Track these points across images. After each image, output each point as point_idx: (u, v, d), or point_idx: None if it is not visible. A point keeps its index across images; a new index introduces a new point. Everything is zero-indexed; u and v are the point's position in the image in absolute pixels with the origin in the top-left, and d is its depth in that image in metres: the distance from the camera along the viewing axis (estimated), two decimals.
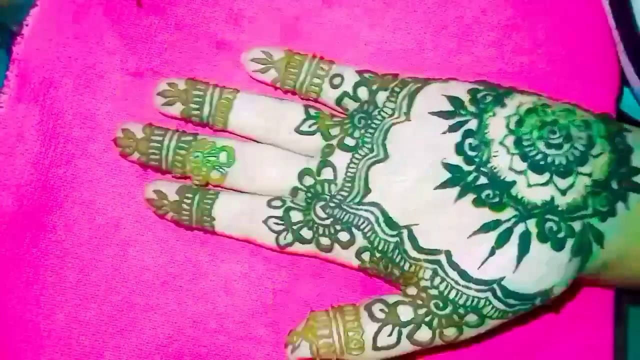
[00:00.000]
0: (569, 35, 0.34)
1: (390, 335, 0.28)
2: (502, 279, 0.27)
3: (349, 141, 0.30)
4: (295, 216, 0.30)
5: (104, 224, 0.33)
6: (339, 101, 0.31)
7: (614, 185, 0.27)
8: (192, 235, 0.33)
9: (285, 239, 0.30)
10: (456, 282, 0.27)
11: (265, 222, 0.30)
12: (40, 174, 0.33)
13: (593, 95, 0.34)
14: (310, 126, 0.31)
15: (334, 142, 0.30)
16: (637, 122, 0.33)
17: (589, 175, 0.27)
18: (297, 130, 0.31)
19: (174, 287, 0.33)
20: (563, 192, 0.27)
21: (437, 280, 0.27)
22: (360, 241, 0.29)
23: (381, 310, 0.28)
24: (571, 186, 0.27)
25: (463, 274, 0.27)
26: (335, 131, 0.30)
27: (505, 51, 0.34)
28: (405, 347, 0.28)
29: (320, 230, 0.29)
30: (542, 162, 0.27)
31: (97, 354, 0.32)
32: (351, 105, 0.31)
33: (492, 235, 0.27)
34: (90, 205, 0.33)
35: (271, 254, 0.33)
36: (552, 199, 0.27)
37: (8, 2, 0.38)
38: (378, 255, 0.29)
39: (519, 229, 0.27)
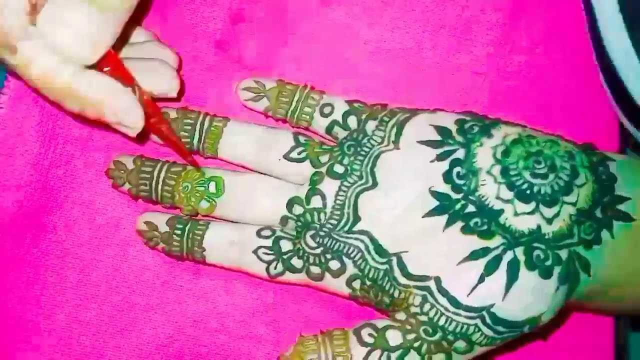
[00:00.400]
0: (568, 34, 0.34)
1: None
2: (491, 306, 0.27)
3: (338, 168, 0.30)
4: (285, 245, 0.30)
5: (104, 224, 0.33)
6: (329, 130, 0.31)
7: (598, 214, 0.28)
8: None
9: (275, 268, 0.30)
10: (446, 309, 0.27)
11: (255, 252, 0.30)
12: (40, 175, 0.33)
13: (591, 94, 0.34)
14: (299, 153, 0.31)
15: (323, 169, 0.30)
16: None
17: (574, 204, 0.28)
18: (287, 157, 0.31)
19: (174, 286, 0.33)
20: (549, 221, 0.27)
21: (427, 306, 0.28)
22: (350, 270, 0.29)
23: (370, 334, 0.28)
24: (557, 215, 0.27)
25: (452, 301, 0.27)
26: (324, 158, 0.30)
27: (504, 50, 0.34)
28: None
29: (311, 259, 0.29)
30: (528, 192, 0.27)
31: (97, 354, 0.32)
32: (341, 133, 0.31)
33: (481, 263, 0.27)
34: (90, 206, 0.33)
35: None
36: (539, 227, 0.27)
37: None
38: (368, 283, 0.29)
39: (508, 256, 0.27)
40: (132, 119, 0.27)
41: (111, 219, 0.33)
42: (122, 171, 0.31)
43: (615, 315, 0.35)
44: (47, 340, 0.32)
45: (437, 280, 0.28)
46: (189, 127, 0.31)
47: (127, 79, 0.27)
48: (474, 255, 0.28)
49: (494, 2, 0.34)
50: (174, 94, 0.30)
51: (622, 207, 0.28)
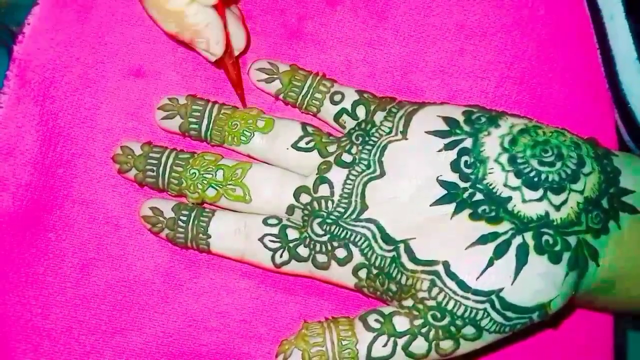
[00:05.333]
0: (571, 41, 0.35)
1: (385, 345, 0.28)
2: (500, 290, 0.27)
3: (346, 157, 0.30)
4: (292, 234, 0.30)
5: (104, 223, 0.33)
6: (337, 117, 0.32)
7: (605, 204, 0.28)
8: None
9: (281, 256, 0.30)
10: (454, 293, 0.27)
11: (261, 239, 0.30)
12: (40, 174, 0.33)
13: (592, 103, 0.35)
14: (307, 143, 0.31)
15: (331, 158, 0.30)
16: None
17: (581, 192, 0.28)
18: (294, 147, 0.31)
19: (174, 286, 0.33)
20: (557, 208, 0.28)
21: (435, 290, 0.28)
22: (357, 258, 0.29)
23: (376, 320, 0.28)
24: (564, 202, 0.28)
25: (461, 284, 0.27)
26: (332, 148, 0.31)
27: (508, 56, 0.34)
28: (400, 359, 0.28)
29: (317, 247, 0.29)
30: (535, 179, 0.28)
31: (97, 354, 0.32)
32: (349, 123, 0.31)
33: (490, 247, 0.27)
34: (90, 205, 0.33)
35: None
36: (547, 213, 0.27)
37: (7, 2, 0.38)
38: (375, 271, 0.29)
39: (517, 241, 0.27)
40: (217, 51, 0.29)
41: (111, 219, 0.33)
42: (129, 156, 0.31)
43: (622, 313, 0.35)
44: (47, 339, 0.32)
45: (446, 264, 0.28)
46: (198, 114, 0.32)
47: (223, 20, 0.29)
48: (483, 240, 0.28)
49: (499, 8, 0.34)
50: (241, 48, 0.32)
51: (627, 199, 0.29)
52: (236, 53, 0.32)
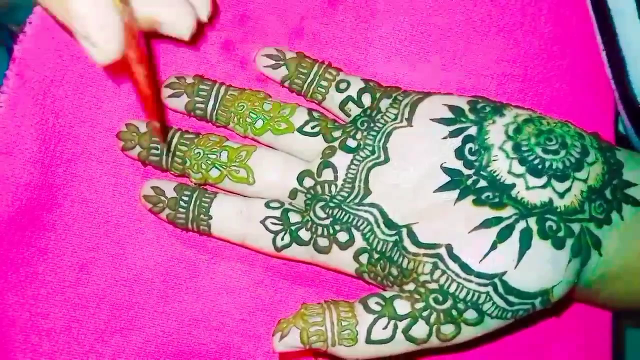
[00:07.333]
0: (574, 40, 0.35)
1: (385, 328, 0.28)
2: (503, 274, 0.27)
3: (351, 143, 0.30)
4: (294, 217, 0.30)
5: (104, 223, 0.33)
6: (342, 105, 0.32)
7: (609, 195, 0.28)
8: (192, 234, 0.33)
9: (282, 239, 0.30)
10: (457, 275, 0.27)
11: (263, 222, 0.30)
12: (40, 173, 0.32)
13: (593, 102, 0.35)
14: (313, 128, 0.31)
15: (336, 144, 0.30)
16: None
17: (585, 181, 0.28)
18: (300, 131, 0.31)
19: (174, 285, 0.33)
20: (561, 195, 0.28)
21: (438, 273, 0.28)
22: (359, 242, 0.29)
23: (377, 303, 0.28)
24: (568, 190, 0.28)
25: (464, 267, 0.27)
26: (337, 134, 0.31)
27: (510, 55, 0.34)
28: (400, 343, 0.28)
29: (319, 231, 0.30)
30: (540, 167, 0.28)
31: (97, 353, 0.32)
32: (354, 110, 0.31)
33: (494, 231, 0.27)
34: (90, 205, 0.33)
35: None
36: (551, 200, 0.28)
37: (7, 3, 0.38)
38: (376, 256, 0.29)
39: (520, 225, 0.27)
40: (102, 40, 0.22)
41: (111, 218, 0.33)
42: (134, 134, 0.31)
43: (623, 309, 0.35)
44: (46, 339, 0.32)
45: (449, 247, 0.28)
46: (205, 94, 0.32)
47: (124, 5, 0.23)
48: (487, 224, 0.28)
49: (502, 7, 0.34)
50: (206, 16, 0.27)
51: (630, 192, 0.29)
52: (205, 19, 0.27)
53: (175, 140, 0.31)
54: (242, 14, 0.34)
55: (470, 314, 0.27)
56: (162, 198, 0.31)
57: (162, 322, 0.33)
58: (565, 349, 0.35)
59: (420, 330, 0.28)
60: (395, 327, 0.28)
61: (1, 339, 0.32)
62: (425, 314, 0.27)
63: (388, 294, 0.28)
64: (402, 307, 0.28)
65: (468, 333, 0.28)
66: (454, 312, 0.27)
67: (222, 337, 0.33)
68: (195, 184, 0.31)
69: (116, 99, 0.33)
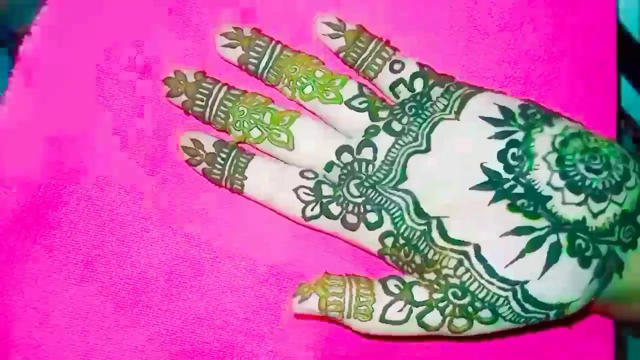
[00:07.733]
0: (577, 42, 0.35)
1: (400, 311, 0.28)
2: (526, 282, 0.27)
3: (396, 125, 0.30)
4: (326, 190, 0.30)
5: (109, 220, 0.33)
6: (393, 86, 0.31)
7: (639, 220, 0.28)
8: (197, 233, 0.33)
9: (312, 210, 0.30)
10: (480, 275, 0.28)
11: (295, 190, 0.30)
12: (45, 171, 0.33)
13: (595, 103, 0.35)
14: (360, 103, 0.31)
15: (380, 124, 0.30)
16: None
17: (620, 204, 0.28)
18: (347, 104, 0.31)
19: (178, 284, 0.33)
20: (595, 215, 0.28)
21: (461, 270, 0.28)
22: (387, 225, 0.29)
23: (396, 285, 0.29)
24: (603, 211, 0.28)
25: (489, 269, 0.27)
26: (383, 114, 0.31)
27: (512, 55, 0.34)
28: (412, 327, 0.28)
29: (350, 208, 0.30)
30: (580, 183, 0.28)
31: (100, 350, 0.32)
32: (404, 93, 0.31)
33: (524, 239, 0.28)
34: (95, 202, 0.33)
35: (275, 251, 0.33)
36: (584, 219, 0.28)
37: (7, 4, 0.38)
38: (402, 241, 0.29)
39: (551, 239, 0.28)
40: None
41: (116, 216, 0.33)
42: (181, 82, 0.31)
43: (633, 322, 0.35)
44: (50, 336, 0.32)
45: (477, 247, 0.28)
46: (260, 49, 0.31)
47: None
48: (519, 231, 0.28)
49: (502, 6, 0.34)
50: None
51: None
52: None
53: (221, 94, 0.31)
54: (246, 13, 0.34)
55: (485, 313, 0.28)
56: (200, 151, 0.31)
57: (165, 320, 0.33)
58: (566, 349, 0.35)
59: (433, 318, 0.28)
60: (410, 311, 0.28)
61: (5, 335, 0.32)
62: (441, 304, 0.28)
63: (407, 279, 0.29)
64: (420, 294, 0.28)
65: (479, 329, 0.28)
66: (470, 309, 0.28)
67: (225, 336, 0.33)
68: (233, 143, 0.31)
69: (122, 98, 0.33)
